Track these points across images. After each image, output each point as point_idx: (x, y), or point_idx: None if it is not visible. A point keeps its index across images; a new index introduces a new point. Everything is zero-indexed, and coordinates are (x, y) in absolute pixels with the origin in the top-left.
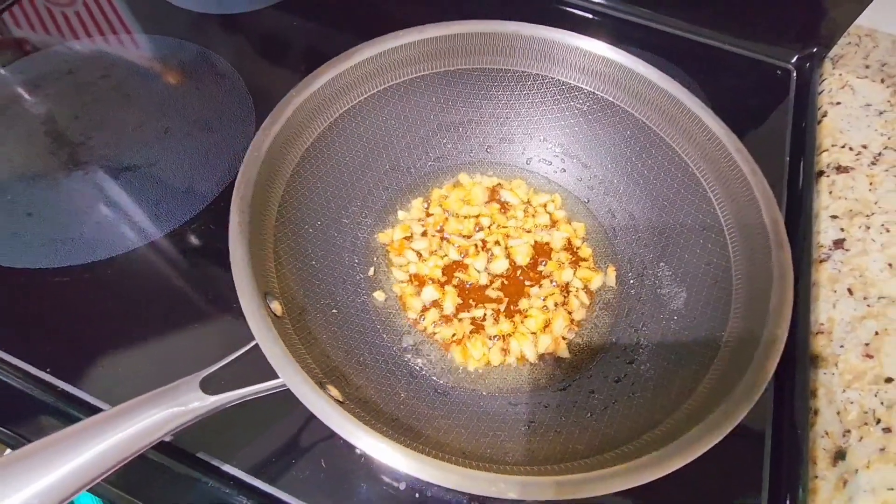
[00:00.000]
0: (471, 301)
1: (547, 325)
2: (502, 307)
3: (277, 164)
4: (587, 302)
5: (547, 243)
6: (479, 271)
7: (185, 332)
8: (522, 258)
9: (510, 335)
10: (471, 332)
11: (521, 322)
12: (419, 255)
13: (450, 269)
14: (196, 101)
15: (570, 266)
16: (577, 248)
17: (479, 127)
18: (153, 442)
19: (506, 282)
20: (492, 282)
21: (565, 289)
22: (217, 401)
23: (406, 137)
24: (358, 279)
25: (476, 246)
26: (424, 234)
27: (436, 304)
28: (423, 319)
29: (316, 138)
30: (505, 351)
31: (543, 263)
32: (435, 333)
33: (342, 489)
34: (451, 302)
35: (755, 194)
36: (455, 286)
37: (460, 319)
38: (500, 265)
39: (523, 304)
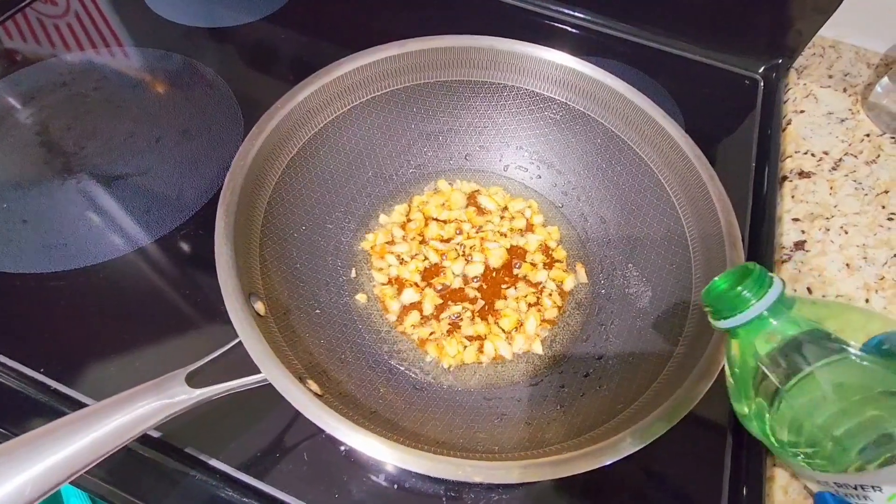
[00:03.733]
0: (449, 302)
1: (520, 325)
2: (477, 307)
3: (263, 171)
4: (560, 302)
5: (522, 246)
6: (455, 275)
7: (173, 333)
8: (496, 261)
9: (485, 336)
10: (448, 332)
11: (496, 323)
12: (400, 259)
13: (428, 273)
14: (186, 112)
15: (545, 268)
16: (552, 251)
17: (459, 136)
18: (143, 431)
19: (484, 285)
20: (467, 283)
21: (539, 291)
22: (202, 394)
23: (388, 146)
24: (341, 282)
25: (455, 250)
26: (405, 238)
27: (415, 306)
28: (404, 321)
29: (301, 147)
30: (480, 351)
31: (518, 266)
32: (413, 333)
33: (324, 482)
34: (430, 303)
35: (712, 199)
36: (435, 289)
37: (439, 320)
38: (476, 269)
39: (499, 304)
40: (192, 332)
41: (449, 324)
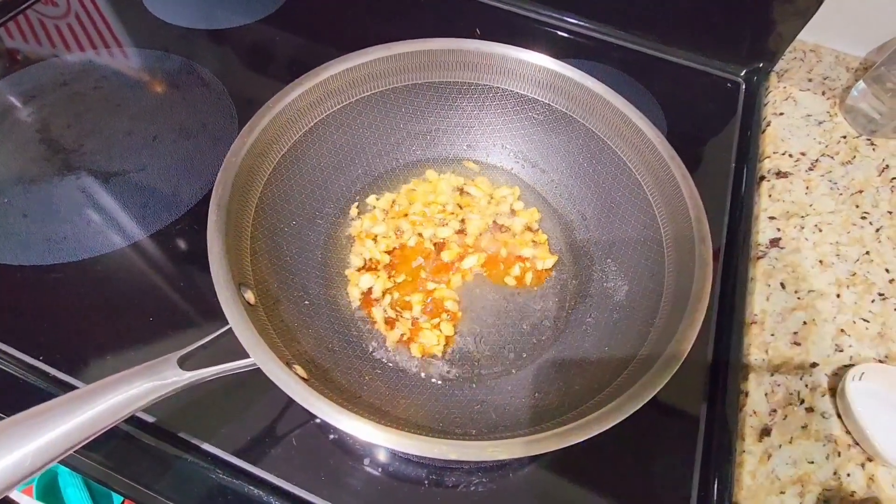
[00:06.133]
0: (405, 297)
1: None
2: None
3: (255, 168)
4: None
5: (508, 226)
6: (425, 238)
7: (167, 323)
8: (475, 228)
9: (443, 303)
10: (412, 330)
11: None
12: (375, 239)
13: (402, 258)
14: (182, 111)
15: (533, 245)
16: (534, 232)
17: (446, 135)
18: (136, 410)
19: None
20: (441, 248)
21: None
22: (192, 376)
23: (378, 145)
24: (330, 274)
25: (433, 220)
26: (385, 220)
27: (373, 301)
28: (376, 321)
29: (292, 145)
30: (452, 316)
31: (509, 230)
32: (388, 335)
33: (311, 465)
34: (380, 286)
35: (684, 196)
36: (391, 275)
37: (404, 318)
38: (445, 231)
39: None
40: (186, 323)
41: (412, 324)
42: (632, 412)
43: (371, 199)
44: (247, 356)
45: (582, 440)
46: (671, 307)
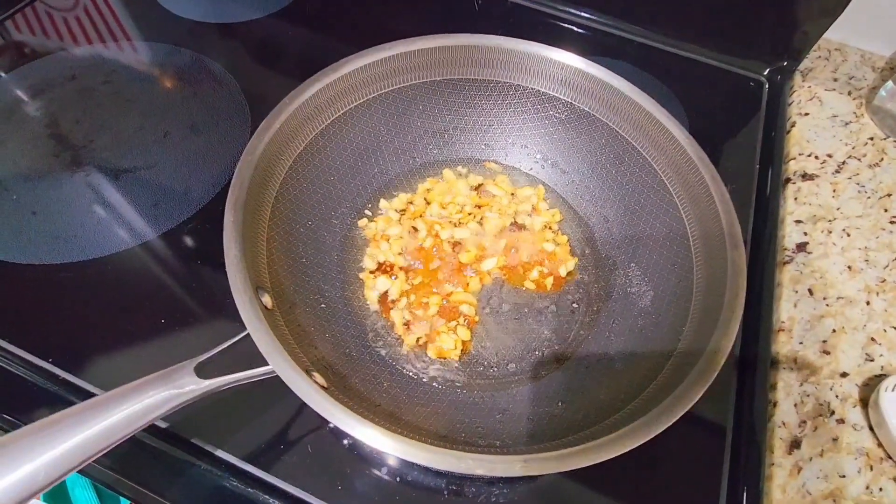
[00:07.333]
0: (422, 298)
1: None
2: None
3: (271, 167)
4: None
5: (527, 226)
6: (442, 239)
7: (180, 325)
8: (492, 227)
9: (458, 306)
10: (429, 334)
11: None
12: (389, 241)
13: (421, 258)
14: (194, 107)
15: (556, 244)
16: (555, 233)
17: (464, 134)
18: (151, 420)
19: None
20: (455, 247)
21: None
22: (210, 384)
23: (394, 143)
24: (346, 277)
25: (450, 220)
26: (400, 220)
27: (391, 302)
28: (395, 325)
29: (308, 143)
30: (469, 321)
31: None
32: (405, 336)
33: (327, 474)
34: (397, 289)
35: (714, 199)
36: (408, 276)
37: (420, 321)
38: (462, 233)
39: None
40: (198, 325)
41: (428, 328)
42: (664, 427)
43: (383, 203)
44: (264, 363)
45: (615, 455)
46: (701, 315)
